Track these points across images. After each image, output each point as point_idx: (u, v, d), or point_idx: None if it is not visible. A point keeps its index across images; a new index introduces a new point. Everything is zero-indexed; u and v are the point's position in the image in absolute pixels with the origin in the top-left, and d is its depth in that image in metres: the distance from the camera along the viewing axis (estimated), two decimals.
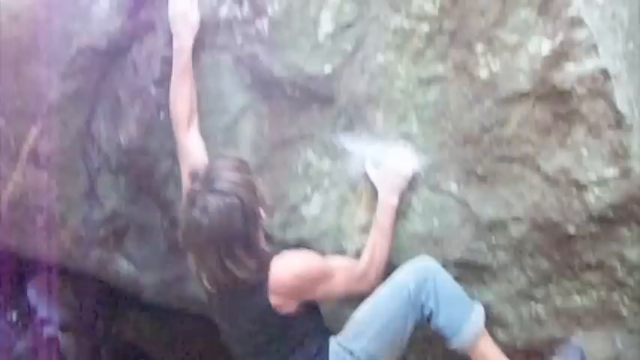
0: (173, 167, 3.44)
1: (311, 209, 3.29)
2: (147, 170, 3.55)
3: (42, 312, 5.03)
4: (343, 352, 2.97)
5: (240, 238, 2.74)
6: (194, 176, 2.78)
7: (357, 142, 3.13)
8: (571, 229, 2.82)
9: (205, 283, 2.85)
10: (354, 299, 3.07)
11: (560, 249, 2.89)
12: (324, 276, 2.92)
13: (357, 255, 3.18)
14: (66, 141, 3.51)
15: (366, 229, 3.16)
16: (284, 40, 3.09)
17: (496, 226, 2.95)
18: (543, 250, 2.92)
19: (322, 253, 3.11)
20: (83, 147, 3.53)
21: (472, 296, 3.06)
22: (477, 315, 2.97)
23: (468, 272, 3.10)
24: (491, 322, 3.09)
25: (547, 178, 2.79)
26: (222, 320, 3.06)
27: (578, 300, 2.96)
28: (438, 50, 2.90)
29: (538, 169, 2.80)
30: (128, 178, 3.70)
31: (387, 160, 3.06)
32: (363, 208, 3.19)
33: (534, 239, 2.91)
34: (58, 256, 4.01)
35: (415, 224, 3.11)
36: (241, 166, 2.87)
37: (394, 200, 3.06)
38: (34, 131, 3.50)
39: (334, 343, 3.00)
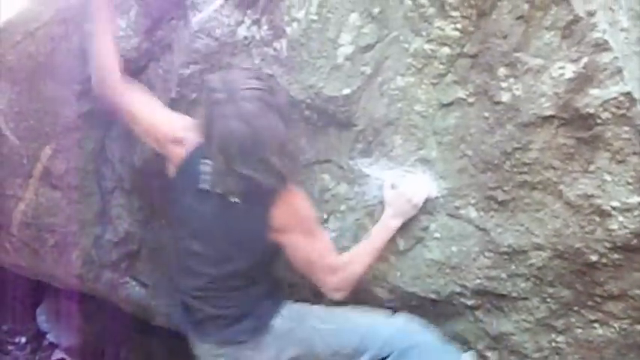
0: None
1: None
2: (160, 192, 3.50)
3: (51, 336, 5.00)
4: (297, 314, 3.07)
5: (280, 140, 2.76)
6: (211, 88, 2.74)
7: (375, 166, 3.09)
8: (593, 258, 2.76)
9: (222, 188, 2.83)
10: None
11: (582, 278, 2.83)
12: (311, 230, 2.93)
13: (372, 282, 3.17)
14: (80, 161, 3.47)
15: (382, 256, 3.11)
16: (302, 62, 3.04)
17: (516, 253, 2.91)
18: (564, 279, 2.87)
19: None
20: (97, 167, 3.50)
21: (491, 325, 3.04)
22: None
23: (487, 301, 3.06)
24: (510, 352, 3.06)
25: (569, 205, 2.74)
26: (199, 228, 2.99)
27: (599, 331, 2.90)
28: (458, 74, 2.86)
29: (560, 195, 2.75)
30: (142, 199, 3.67)
31: (403, 184, 3.02)
32: None
33: (555, 268, 2.86)
34: (68, 278, 3.97)
35: (433, 251, 3.06)
36: (261, 74, 2.92)
37: (396, 224, 3.03)
38: (47, 150, 3.47)
39: (292, 306, 3.09)
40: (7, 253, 3.97)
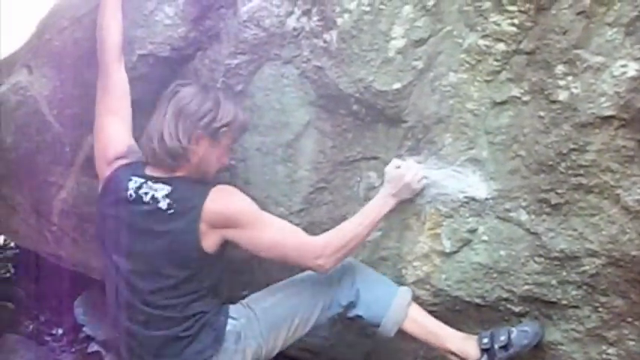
0: (229, 180, 3.34)
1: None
2: None
3: (87, 329, 4.98)
4: (244, 307, 3.05)
5: (193, 120, 2.88)
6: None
7: (423, 165, 3.03)
8: None
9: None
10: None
11: (638, 287, 2.74)
12: (253, 221, 2.87)
13: (415, 284, 3.11)
14: None
15: (427, 257, 3.05)
16: (352, 54, 2.97)
17: (568, 259, 2.81)
18: (618, 288, 2.78)
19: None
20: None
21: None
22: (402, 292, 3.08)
23: (535, 308, 2.98)
24: None
25: (627, 210, 2.64)
26: (130, 255, 2.92)
27: None
28: (513, 71, 2.77)
29: (617, 200, 2.65)
30: None
31: (406, 169, 3.00)
32: (425, 235, 3.07)
33: (609, 276, 2.77)
34: None
35: (480, 254, 2.99)
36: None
37: (391, 203, 3.03)
38: (90, 139, 3.42)
39: (240, 304, 3.10)
40: (47, 243, 3.95)
